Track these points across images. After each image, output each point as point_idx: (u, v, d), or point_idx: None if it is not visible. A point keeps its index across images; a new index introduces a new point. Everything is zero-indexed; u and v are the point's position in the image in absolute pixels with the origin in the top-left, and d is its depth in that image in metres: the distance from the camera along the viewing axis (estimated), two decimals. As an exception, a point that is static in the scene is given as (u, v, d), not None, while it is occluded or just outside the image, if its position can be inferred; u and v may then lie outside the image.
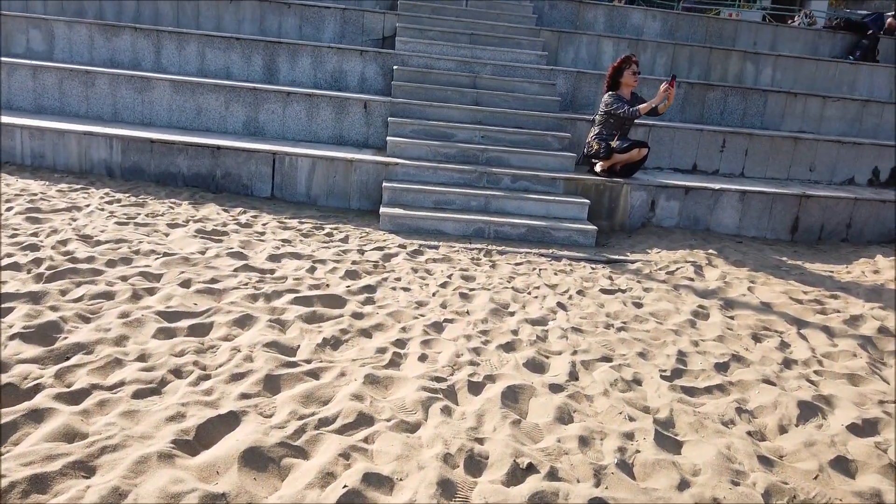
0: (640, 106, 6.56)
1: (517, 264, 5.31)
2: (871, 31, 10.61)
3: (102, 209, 5.46)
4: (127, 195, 5.98)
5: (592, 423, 2.86)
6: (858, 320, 4.58)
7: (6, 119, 6.74)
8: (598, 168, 6.91)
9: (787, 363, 3.79)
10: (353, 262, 4.81)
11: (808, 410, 3.16)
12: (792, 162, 7.97)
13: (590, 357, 3.58)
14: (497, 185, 6.64)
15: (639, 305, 4.56)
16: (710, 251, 6.02)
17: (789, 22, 14.82)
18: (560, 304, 4.41)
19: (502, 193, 6.42)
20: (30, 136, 6.59)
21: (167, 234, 4.98)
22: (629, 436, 2.80)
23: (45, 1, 9.31)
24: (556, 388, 3.17)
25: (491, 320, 3.99)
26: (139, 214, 5.42)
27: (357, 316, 3.81)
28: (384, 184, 6.32)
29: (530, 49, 8.91)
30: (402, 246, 5.45)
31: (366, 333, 3.61)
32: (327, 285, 4.27)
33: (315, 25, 9.23)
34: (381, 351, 3.37)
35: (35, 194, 5.66)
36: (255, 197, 6.60)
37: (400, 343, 3.50)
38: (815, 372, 3.70)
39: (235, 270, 4.33)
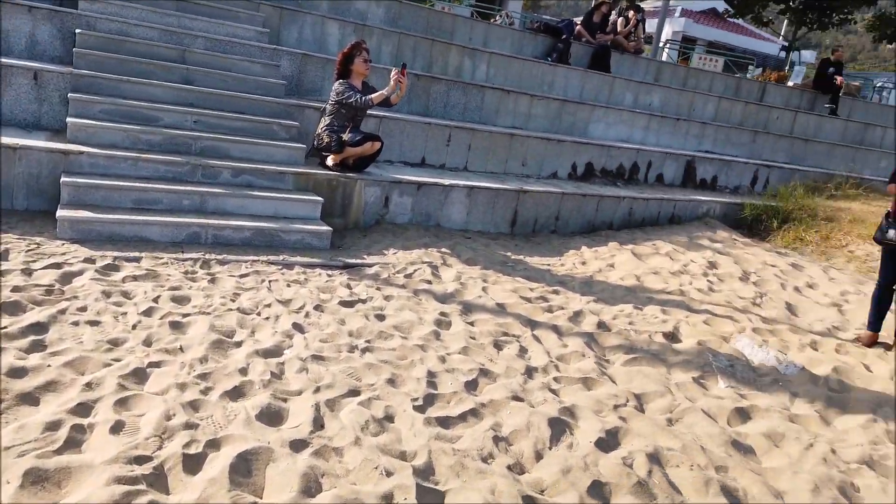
0: (373, 95, 6.21)
1: (242, 276, 4.58)
2: (564, 36, 11.79)
3: None
4: None
5: (345, 490, 2.39)
6: (580, 316, 4.83)
7: None
8: (329, 162, 6.41)
9: (529, 372, 3.76)
10: (14, 289, 3.62)
11: (558, 428, 3.10)
12: (508, 156, 8.40)
13: (335, 393, 3.10)
14: (215, 181, 5.75)
15: (381, 318, 4.20)
16: (444, 249, 5.96)
17: (492, 21, 15.97)
18: (296, 326, 3.84)
19: (222, 190, 5.57)
20: None
21: None
22: (388, 497, 2.39)
23: None
24: (298, 444, 2.62)
25: (212, 357, 3.26)
26: None
27: (16, 373, 2.79)
28: (63, 178, 5.02)
29: (249, 24, 8.01)
30: (90, 260, 4.33)
31: (29, 399, 2.64)
32: (-31, 327, 3.11)
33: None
34: (53, 427, 2.45)
35: None
36: None
37: (83, 409, 2.62)
38: (555, 379, 3.73)
39: None
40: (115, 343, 3.22)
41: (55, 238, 4.67)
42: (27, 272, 3.90)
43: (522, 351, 4.08)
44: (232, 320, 3.74)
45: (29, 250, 4.30)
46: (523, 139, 8.50)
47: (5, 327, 3.14)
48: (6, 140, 5.11)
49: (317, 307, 4.18)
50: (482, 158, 8.18)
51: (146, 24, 7.02)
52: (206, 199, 5.46)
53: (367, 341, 3.80)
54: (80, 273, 4.05)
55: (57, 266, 4.09)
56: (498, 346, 4.08)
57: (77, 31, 6.49)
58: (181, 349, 3.28)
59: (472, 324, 4.39)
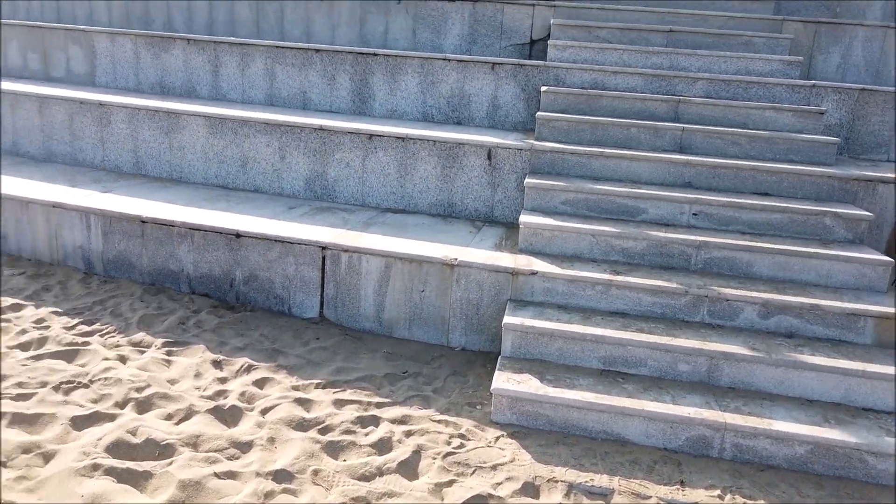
0: None
1: None
2: None
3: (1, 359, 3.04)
4: (74, 320, 3.55)
5: None
6: None
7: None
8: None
9: None
10: None
11: None
12: None
13: None
14: (731, 323, 3.42)
15: None
16: None
17: None
18: None
19: (743, 350, 3.19)
20: (-16, 207, 4.44)
21: (42, 463, 2.41)
22: None
23: (108, 1, 7.41)
24: None
25: None
26: (47, 382, 2.91)
27: None
28: (507, 319, 3.36)
29: (769, 53, 5.48)
30: (531, 489, 2.45)
31: None
32: None
33: (434, 27, 6.47)
34: None
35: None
36: (294, 317, 3.92)
37: None
38: None
39: None
40: None
41: (487, 422, 3.00)
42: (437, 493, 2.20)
43: None
44: None
45: (447, 454, 2.68)
46: None
47: None
48: (446, 253, 3.73)
49: None
50: None
51: (627, 69, 5.15)
52: (717, 363, 3.17)
53: None
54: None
55: (482, 500, 2.31)
56: None
57: (542, 88, 4.99)
58: None
59: None
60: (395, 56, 5.56)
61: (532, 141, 4.59)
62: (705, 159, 4.25)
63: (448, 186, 4.66)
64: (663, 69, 5.27)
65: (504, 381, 3.10)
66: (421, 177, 4.69)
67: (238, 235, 3.93)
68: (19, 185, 4.54)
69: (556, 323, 3.34)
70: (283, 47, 5.81)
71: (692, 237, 3.73)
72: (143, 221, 4.07)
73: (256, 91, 5.98)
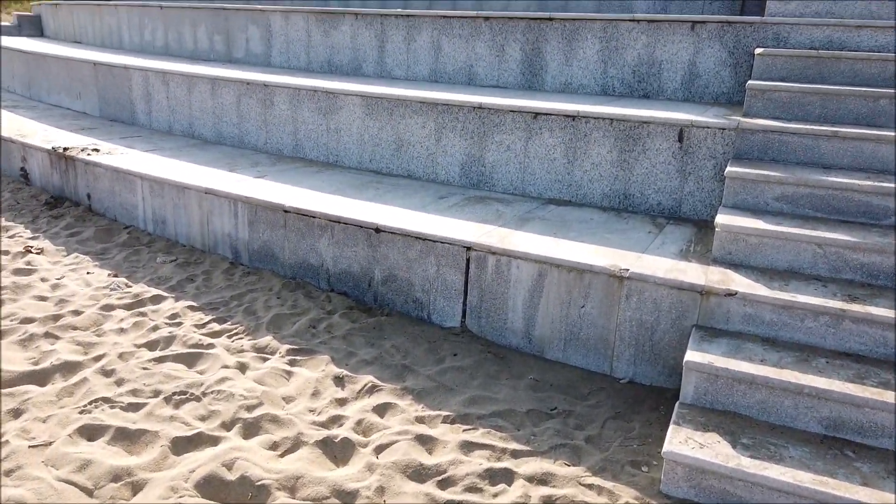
0: None
1: None
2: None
3: (126, 359, 2.93)
4: (207, 317, 3.38)
5: None
6: None
7: (125, 163, 4.80)
8: None
9: None
10: None
11: None
12: None
13: None
14: None
15: None
16: None
17: None
18: None
19: None
20: (150, 190, 4.50)
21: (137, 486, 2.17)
22: None
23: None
24: None
25: None
26: (160, 392, 2.72)
27: None
28: (689, 355, 2.57)
29: None
30: None
31: None
32: None
33: (622, -15, 5.59)
34: None
35: (68, 300, 3.44)
36: (433, 325, 3.44)
37: None
38: None
39: None
40: None
41: (655, 493, 2.28)
42: None
43: None
44: None
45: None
46: None
47: None
48: (615, 263, 3.00)
49: None
50: None
51: (876, 23, 3.92)
52: None
53: None
54: None
55: None
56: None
57: (757, 51, 3.95)
58: None
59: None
60: (574, 20, 4.81)
61: (739, 117, 3.63)
62: None
63: (625, 174, 3.86)
64: (933, 18, 3.95)
65: (681, 440, 2.34)
66: (593, 162, 3.94)
67: (378, 230, 3.52)
68: (181, 169, 4.57)
69: (759, 365, 2.49)
70: (450, 17, 5.31)
71: (978, 255, 2.62)
72: (286, 211, 3.83)
73: (421, 66, 5.57)
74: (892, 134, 3.18)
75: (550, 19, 4.90)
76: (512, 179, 4.22)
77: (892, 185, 2.97)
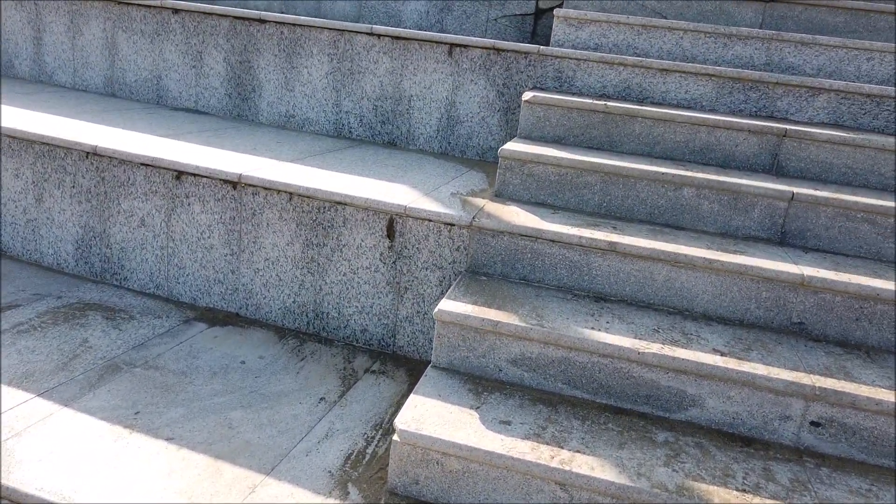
0: None
1: None
2: None
3: None
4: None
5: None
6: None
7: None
8: None
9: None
10: None
11: None
12: None
13: None
14: None
15: None
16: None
17: None
18: None
19: None
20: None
21: None
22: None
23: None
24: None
25: None
26: None
27: None
28: None
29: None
30: None
31: None
32: None
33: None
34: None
35: None
36: None
37: None
38: None
39: None
40: None
41: None
42: None
43: None
44: None
45: None
46: None
47: None
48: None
49: None
50: None
51: (686, 66, 2.78)
52: None
53: None
54: None
55: None
56: None
57: (525, 96, 2.66)
58: None
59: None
60: (293, 25, 3.30)
61: (486, 200, 2.29)
62: (827, 275, 1.88)
63: (315, 281, 2.39)
64: (753, 66, 2.89)
65: None
66: (267, 257, 2.43)
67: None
68: None
69: None
70: (127, 2, 3.60)
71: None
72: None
73: (93, 71, 3.81)
74: (697, 253, 1.96)
75: (261, 21, 3.35)
76: (151, 272, 2.61)
77: (694, 353, 1.72)
